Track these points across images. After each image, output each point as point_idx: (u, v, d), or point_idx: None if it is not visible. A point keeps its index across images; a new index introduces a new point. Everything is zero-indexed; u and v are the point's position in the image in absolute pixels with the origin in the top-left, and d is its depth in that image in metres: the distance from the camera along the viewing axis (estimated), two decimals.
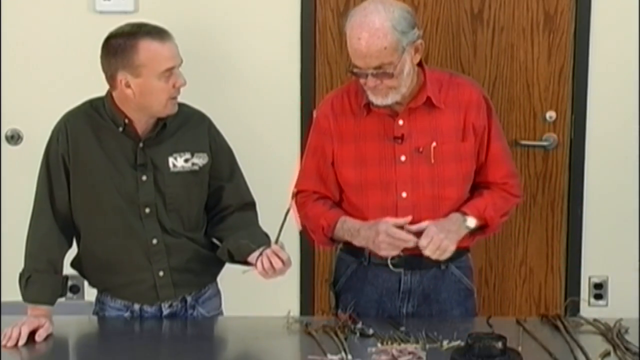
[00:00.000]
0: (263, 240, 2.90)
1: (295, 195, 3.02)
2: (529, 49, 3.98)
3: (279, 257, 2.79)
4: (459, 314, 3.00)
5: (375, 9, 2.75)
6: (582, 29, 3.94)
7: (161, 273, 2.94)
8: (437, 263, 2.93)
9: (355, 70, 2.80)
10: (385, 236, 2.80)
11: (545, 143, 4.03)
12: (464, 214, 2.89)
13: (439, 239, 2.80)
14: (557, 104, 4.01)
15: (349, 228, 2.91)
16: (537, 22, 3.96)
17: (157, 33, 2.81)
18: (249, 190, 3.07)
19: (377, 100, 2.84)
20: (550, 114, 4.01)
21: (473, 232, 2.93)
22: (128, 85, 2.81)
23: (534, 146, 4.04)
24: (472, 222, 2.89)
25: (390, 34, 2.74)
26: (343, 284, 3.05)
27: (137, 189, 2.89)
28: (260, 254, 2.82)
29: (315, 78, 4.00)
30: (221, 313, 3.11)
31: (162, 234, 2.92)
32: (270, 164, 3.93)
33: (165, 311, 2.98)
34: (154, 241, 2.92)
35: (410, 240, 2.80)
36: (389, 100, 2.83)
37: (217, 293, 3.10)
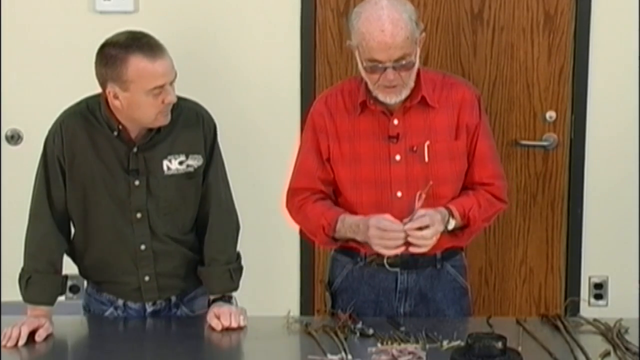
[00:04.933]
0: (225, 285, 2.96)
1: (291, 193, 3.00)
2: (529, 49, 3.97)
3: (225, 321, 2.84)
4: (454, 313, 3.00)
5: (389, 2, 2.76)
6: (582, 29, 3.94)
7: (147, 278, 2.94)
8: (432, 262, 2.94)
9: (372, 65, 2.76)
10: (375, 230, 2.77)
11: (545, 143, 4.03)
12: (450, 212, 2.86)
13: (436, 232, 2.78)
14: (557, 104, 4.01)
15: (350, 224, 2.87)
16: (537, 22, 3.95)
17: (150, 49, 2.75)
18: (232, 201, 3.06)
19: (390, 99, 2.83)
20: (550, 114, 4.01)
21: (450, 232, 2.90)
22: (116, 97, 2.79)
23: (534, 146, 4.04)
24: (452, 224, 2.87)
25: (409, 24, 2.75)
26: (339, 285, 3.05)
27: (129, 193, 2.88)
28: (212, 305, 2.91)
29: (315, 78, 4.00)
30: None
31: (151, 240, 2.92)
32: (270, 164, 3.92)
33: (149, 309, 2.99)
34: (142, 247, 2.92)
35: (400, 232, 2.75)
36: (402, 97, 2.84)
37: (204, 293, 3.04)
